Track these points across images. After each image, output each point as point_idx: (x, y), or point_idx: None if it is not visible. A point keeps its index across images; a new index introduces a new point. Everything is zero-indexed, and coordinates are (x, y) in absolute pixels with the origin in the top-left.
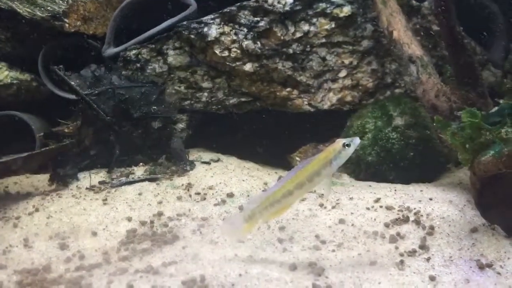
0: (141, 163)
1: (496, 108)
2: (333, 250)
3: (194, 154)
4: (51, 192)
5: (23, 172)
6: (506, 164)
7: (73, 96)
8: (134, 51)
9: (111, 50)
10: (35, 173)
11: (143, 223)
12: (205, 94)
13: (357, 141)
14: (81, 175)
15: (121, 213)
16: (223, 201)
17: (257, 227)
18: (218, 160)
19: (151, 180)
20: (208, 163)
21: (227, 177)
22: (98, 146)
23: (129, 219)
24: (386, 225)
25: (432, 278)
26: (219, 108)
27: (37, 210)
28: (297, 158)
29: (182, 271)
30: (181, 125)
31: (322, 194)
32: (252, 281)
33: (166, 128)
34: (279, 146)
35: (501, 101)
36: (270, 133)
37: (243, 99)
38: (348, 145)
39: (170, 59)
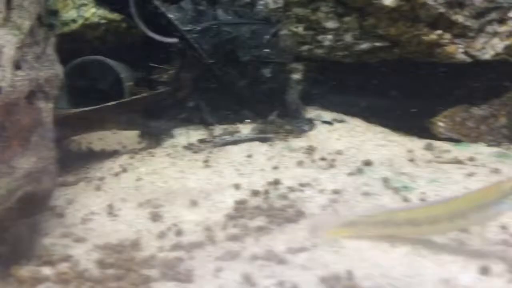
0: (247, 120)
1: None
2: None
3: (311, 113)
4: (141, 151)
5: (110, 126)
6: None
7: (168, 39)
8: None
9: None
10: (124, 128)
11: (255, 193)
12: (329, 37)
13: None
14: (176, 132)
15: (227, 178)
16: (360, 170)
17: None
18: (342, 121)
19: (261, 140)
20: (330, 123)
21: (358, 141)
22: (197, 97)
23: (237, 187)
24: None
25: None
26: (346, 55)
27: (124, 170)
28: (440, 124)
29: (317, 262)
30: (296, 76)
31: None
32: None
33: (281, 77)
34: (415, 107)
35: None
36: (406, 90)
37: (377, 44)
38: None
39: None
